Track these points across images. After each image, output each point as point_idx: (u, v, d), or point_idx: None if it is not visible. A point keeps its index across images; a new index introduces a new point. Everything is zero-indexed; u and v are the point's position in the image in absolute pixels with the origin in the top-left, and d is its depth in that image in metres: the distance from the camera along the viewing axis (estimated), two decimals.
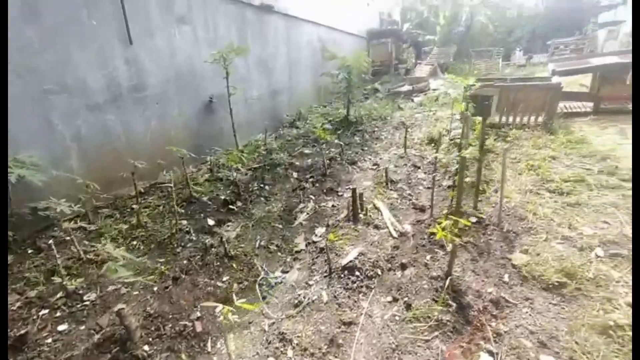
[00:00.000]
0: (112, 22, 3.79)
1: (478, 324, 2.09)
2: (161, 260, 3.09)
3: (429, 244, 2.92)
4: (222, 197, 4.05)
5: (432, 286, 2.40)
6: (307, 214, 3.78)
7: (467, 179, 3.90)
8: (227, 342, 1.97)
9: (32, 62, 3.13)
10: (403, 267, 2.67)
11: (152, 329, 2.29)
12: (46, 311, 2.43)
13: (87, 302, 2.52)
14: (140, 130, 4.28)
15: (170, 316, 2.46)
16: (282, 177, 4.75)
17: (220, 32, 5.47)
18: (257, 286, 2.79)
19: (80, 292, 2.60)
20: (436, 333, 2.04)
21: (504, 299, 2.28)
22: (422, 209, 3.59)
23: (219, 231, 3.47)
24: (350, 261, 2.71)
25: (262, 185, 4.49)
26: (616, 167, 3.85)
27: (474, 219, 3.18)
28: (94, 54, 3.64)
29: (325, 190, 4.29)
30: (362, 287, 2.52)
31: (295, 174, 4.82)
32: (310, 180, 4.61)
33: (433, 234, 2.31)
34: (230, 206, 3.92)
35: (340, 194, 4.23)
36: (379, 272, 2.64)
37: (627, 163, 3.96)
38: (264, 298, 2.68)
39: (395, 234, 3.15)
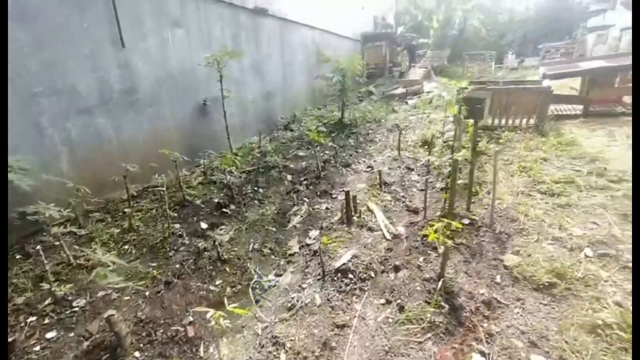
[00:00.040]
0: (104, 25, 3.77)
1: (470, 325, 2.10)
2: (153, 264, 3.06)
3: (422, 246, 2.93)
4: (216, 200, 4.03)
5: (425, 288, 2.41)
6: (301, 216, 3.78)
7: (460, 181, 3.94)
8: (218, 348, 1.95)
9: (22, 64, 3.09)
10: (396, 269, 2.67)
11: (144, 334, 2.26)
12: (34, 318, 2.39)
13: (77, 309, 2.48)
14: (133, 133, 4.25)
15: (162, 321, 2.43)
16: (276, 179, 4.74)
17: (214, 35, 5.47)
18: (250, 290, 2.77)
19: (70, 298, 2.56)
20: (429, 335, 2.04)
21: (495, 300, 2.29)
22: (415, 211, 3.61)
23: (212, 234, 3.44)
24: (344, 264, 2.71)
25: (256, 188, 4.48)
26: (605, 169, 3.91)
27: (466, 221, 3.20)
28: (85, 57, 3.61)
29: (319, 193, 4.30)
30: (355, 289, 2.51)
31: (289, 177, 4.82)
32: (305, 182, 4.61)
33: (426, 236, 2.32)
34: (224, 209, 3.90)
35: (334, 196, 4.23)
36: (372, 275, 2.65)
37: (615, 165, 4.03)
38: (257, 302, 2.66)
39: (388, 236, 3.15)
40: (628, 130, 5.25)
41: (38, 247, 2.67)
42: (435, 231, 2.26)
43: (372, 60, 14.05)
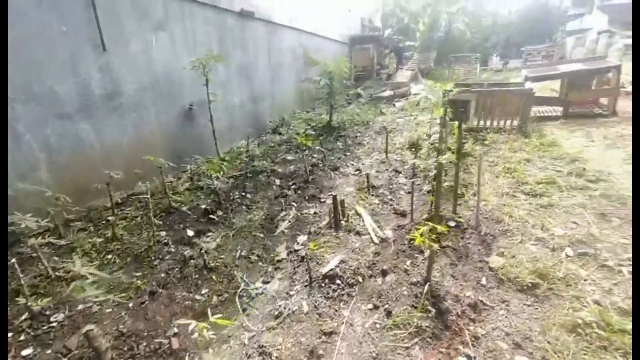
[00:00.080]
0: (84, 29, 3.67)
1: (456, 329, 2.12)
2: (137, 274, 2.99)
3: (409, 250, 2.95)
4: (203, 207, 3.97)
5: (412, 292, 2.42)
6: (289, 222, 3.75)
7: (447, 183, 3.99)
8: None
9: None
10: (384, 273, 2.68)
11: (125, 349, 2.20)
12: (10, 335, 2.29)
13: (55, 324, 2.39)
14: (116, 139, 4.14)
15: (145, 334, 2.37)
16: (264, 184, 4.71)
17: (200, 39, 5.40)
18: (237, 298, 2.73)
19: (47, 312, 2.47)
20: (416, 340, 2.05)
21: (481, 302, 2.32)
22: (403, 214, 3.63)
23: (198, 242, 3.38)
24: (331, 269, 2.70)
25: (243, 194, 4.43)
26: (583, 169, 4.03)
27: (452, 223, 3.24)
28: (64, 62, 3.51)
29: (307, 197, 4.28)
30: (343, 295, 2.51)
31: (277, 181, 4.79)
32: (293, 187, 4.59)
33: (413, 239, 2.33)
34: (211, 216, 3.84)
35: (322, 200, 4.22)
36: (360, 280, 2.65)
37: (593, 165, 4.16)
38: (244, 310, 2.62)
39: (376, 240, 3.16)
40: (605, 131, 5.43)
41: (13, 260, 2.56)
42: (421, 235, 2.28)
43: (360, 63, 14.16)
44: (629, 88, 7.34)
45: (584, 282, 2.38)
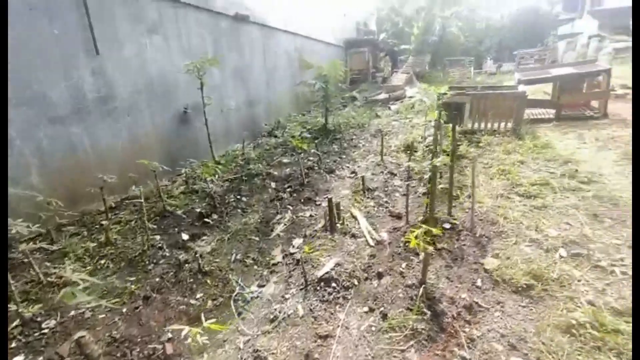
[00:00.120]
0: (76, 32, 3.65)
1: (452, 331, 2.12)
2: (131, 279, 2.95)
3: (405, 252, 2.95)
4: (198, 210, 3.94)
5: (408, 294, 2.42)
6: (285, 225, 3.74)
7: (442, 186, 4.01)
8: None
9: None
10: (379, 276, 2.68)
11: (118, 355, 2.17)
12: None
13: (46, 330, 2.35)
14: (110, 143, 4.11)
15: (139, 339, 2.33)
16: (259, 187, 4.69)
17: (194, 42, 5.40)
18: (232, 302, 2.71)
19: (39, 319, 2.42)
20: (411, 342, 2.04)
21: (476, 304, 2.33)
22: (398, 216, 3.64)
23: (193, 246, 3.36)
24: (327, 272, 2.69)
25: (239, 197, 4.41)
26: (576, 171, 4.08)
27: (448, 225, 3.26)
28: (56, 65, 3.48)
29: (303, 200, 4.27)
30: (338, 298, 2.50)
31: (273, 184, 4.78)
32: (288, 190, 4.58)
33: (408, 241, 2.34)
34: (206, 219, 3.82)
35: (318, 203, 4.22)
36: (356, 282, 2.64)
37: (585, 167, 4.22)
38: (239, 314, 2.60)
39: (372, 243, 3.16)
40: (596, 133, 5.51)
41: None
42: (416, 237, 2.28)
43: (355, 66, 14.25)
44: (619, 91, 7.47)
45: (578, 283, 2.40)
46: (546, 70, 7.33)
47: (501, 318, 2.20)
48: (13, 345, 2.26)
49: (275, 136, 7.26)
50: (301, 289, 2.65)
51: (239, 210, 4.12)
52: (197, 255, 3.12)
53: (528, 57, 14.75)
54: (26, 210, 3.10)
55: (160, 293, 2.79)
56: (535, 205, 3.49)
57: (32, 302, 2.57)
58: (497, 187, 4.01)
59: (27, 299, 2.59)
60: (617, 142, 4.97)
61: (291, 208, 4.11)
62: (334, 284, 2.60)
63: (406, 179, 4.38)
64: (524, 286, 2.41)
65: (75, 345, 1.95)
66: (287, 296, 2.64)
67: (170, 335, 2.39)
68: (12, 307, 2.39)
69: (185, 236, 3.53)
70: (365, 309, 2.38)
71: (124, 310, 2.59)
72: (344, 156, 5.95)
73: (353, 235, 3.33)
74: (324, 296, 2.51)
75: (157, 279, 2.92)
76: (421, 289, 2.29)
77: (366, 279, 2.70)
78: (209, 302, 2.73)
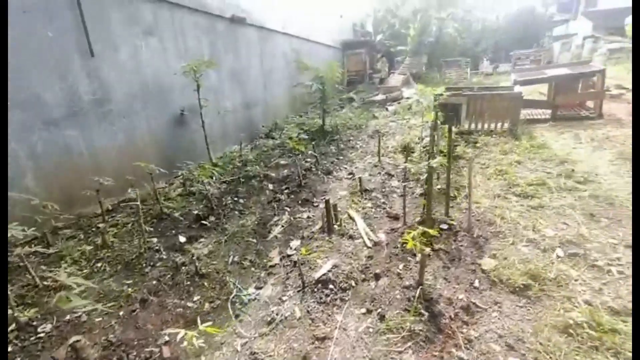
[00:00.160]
0: (71, 34, 3.64)
1: (449, 332, 2.12)
2: (128, 282, 2.93)
3: (402, 253, 2.95)
4: (195, 212, 3.93)
5: (405, 296, 2.42)
6: (282, 226, 3.73)
7: (439, 186, 4.02)
8: None
9: None
10: (377, 277, 2.67)
11: (114, 358, 2.15)
12: None
13: (42, 334, 2.32)
14: (106, 145, 4.09)
15: (136, 343, 2.32)
16: (257, 189, 4.68)
17: (190, 44, 5.39)
18: (229, 304, 2.69)
19: (35, 323, 2.40)
20: (409, 344, 2.04)
21: (474, 305, 2.33)
22: (396, 217, 3.64)
23: (190, 248, 3.34)
24: (324, 274, 2.68)
25: (236, 199, 4.40)
26: (572, 170, 4.10)
27: (445, 226, 3.26)
28: (50, 68, 3.47)
29: (300, 202, 4.27)
30: (336, 300, 2.49)
31: (270, 186, 4.77)
32: (286, 191, 4.57)
33: (405, 242, 2.34)
34: (203, 221, 3.80)
35: (315, 204, 4.21)
36: (353, 284, 2.64)
37: (581, 166, 4.24)
38: (236, 316, 2.59)
39: (369, 244, 3.16)
40: (592, 133, 5.55)
41: None
42: (413, 238, 2.28)
43: (352, 67, 14.29)
44: (614, 91, 7.53)
45: (575, 283, 2.40)
46: (542, 71, 7.37)
47: (499, 318, 2.21)
48: (9, 349, 2.24)
49: (273, 138, 7.25)
50: (298, 291, 2.64)
51: (237, 212, 4.10)
52: (194, 257, 3.11)
53: (524, 58, 14.85)
54: (22, 214, 3.08)
55: (157, 296, 2.77)
56: (532, 205, 3.50)
57: (28, 306, 2.55)
58: (494, 187, 4.03)
59: (23, 303, 2.57)
60: (613, 142, 5.01)
61: (289, 210, 4.10)
62: (331, 286, 2.60)
63: (403, 180, 4.39)
64: (522, 286, 2.42)
65: (71, 350, 1.93)
66: (284, 298, 2.63)
67: (167, 338, 2.37)
68: (8, 311, 2.37)
69: (182, 238, 3.52)
70: (363, 310, 2.37)
71: (121, 313, 2.57)
72: (342, 157, 5.96)
73: (350, 237, 3.33)
74: (321, 298, 2.51)
75: (154, 282, 2.91)
76: (418, 290, 2.29)
77: (364, 280, 2.69)
78: (206, 305, 2.72)
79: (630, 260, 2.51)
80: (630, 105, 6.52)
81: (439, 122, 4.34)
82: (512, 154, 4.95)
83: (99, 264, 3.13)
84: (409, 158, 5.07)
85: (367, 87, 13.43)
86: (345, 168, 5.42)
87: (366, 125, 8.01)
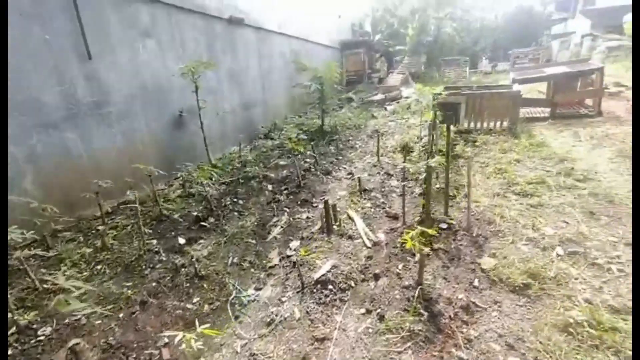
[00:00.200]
0: (68, 37, 3.63)
1: (449, 332, 2.11)
2: (128, 284, 2.93)
3: (401, 253, 2.95)
4: (194, 214, 3.93)
5: (404, 296, 2.41)
6: (282, 227, 3.73)
7: (438, 185, 4.02)
8: None
9: None
10: (376, 277, 2.67)
11: None
12: None
13: (42, 337, 2.32)
14: (105, 147, 4.09)
15: (135, 345, 2.32)
16: (256, 190, 4.68)
17: (188, 45, 5.39)
18: (229, 306, 2.69)
19: (35, 326, 2.40)
20: (409, 344, 2.04)
21: (474, 304, 2.32)
22: (395, 217, 3.64)
23: (189, 250, 3.34)
24: (323, 275, 2.68)
25: (235, 200, 4.40)
26: (572, 169, 4.10)
27: (444, 225, 3.26)
28: (47, 70, 3.46)
29: (299, 202, 4.27)
30: (335, 300, 2.49)
31: (269, 187, 4.77)
32: (285, 192, 4.57)
33: (405, 242, 2.34)
34: (202, 223, 3.80)
35: (315, 205, 4.21)
36: (353, 284, 2.63)
37: (580, 164, 4.24)
38: (236, 318, 2.58)
39: (369, 244, 3.16)
40: (591, 131, 5.54)
41: None
42: (412, 238, 2.28)
43: (351, 67, 14.28)
44: (613, 89, 7.53)
45: (575, 281, 2.40)
46: (540, 69, 7.37)
47: (498, 318, 2.20)
48: (9, 353, 2.23)
49: (272, 138, 7.25)
50: (298, 292, 2.63)
51: (236, 213, 4.10)
52: (194, 259, 3.11)
53: (523, 57, 14.84)
54: (21, 217, 3.08)
55: (157, 298, 2.77)
56: (531, 204, 3.50)
57: (28, 309, 2.55)
58: (494, 186, 4.02)
59: (23, 306, 2.57)
60: (612, 140, 5.00)
61: (288, 210, 4.10)
62: (330, 286, 2.60)
63: (402, 180, 4.39)
64: (521, 285, 2.41)
65: (71, 353, 1.93)
66: (283, 299, 2.63)
67: (166, 340, 2.37)
68: (8, 314, 2.37)
69: (181, 240, 3.52)
70: (362, 310, 2.37)
71: (121, 315, 2.57)
72: (341, 157, 5.95)
73: (350, 237, 3.33)
74: (320, 298, 2.50)
75: (154, 284, 2.91)
76: (418, 290, 2.29)
77: (363, 280, 2.69)
78: (206, 306, 2.71)
79: (630, 258, 2.50)
80: (630, 102, 6.52)
81: (437, 121, 4.35)
82: (512, 153, 4.95)
83: (99, 267, 3.13)
84: (408, 157, 5.07)
85: (366, 86, 13.42)
86: (345, 168, 5.42)
87: (365, 125, 8.01)
